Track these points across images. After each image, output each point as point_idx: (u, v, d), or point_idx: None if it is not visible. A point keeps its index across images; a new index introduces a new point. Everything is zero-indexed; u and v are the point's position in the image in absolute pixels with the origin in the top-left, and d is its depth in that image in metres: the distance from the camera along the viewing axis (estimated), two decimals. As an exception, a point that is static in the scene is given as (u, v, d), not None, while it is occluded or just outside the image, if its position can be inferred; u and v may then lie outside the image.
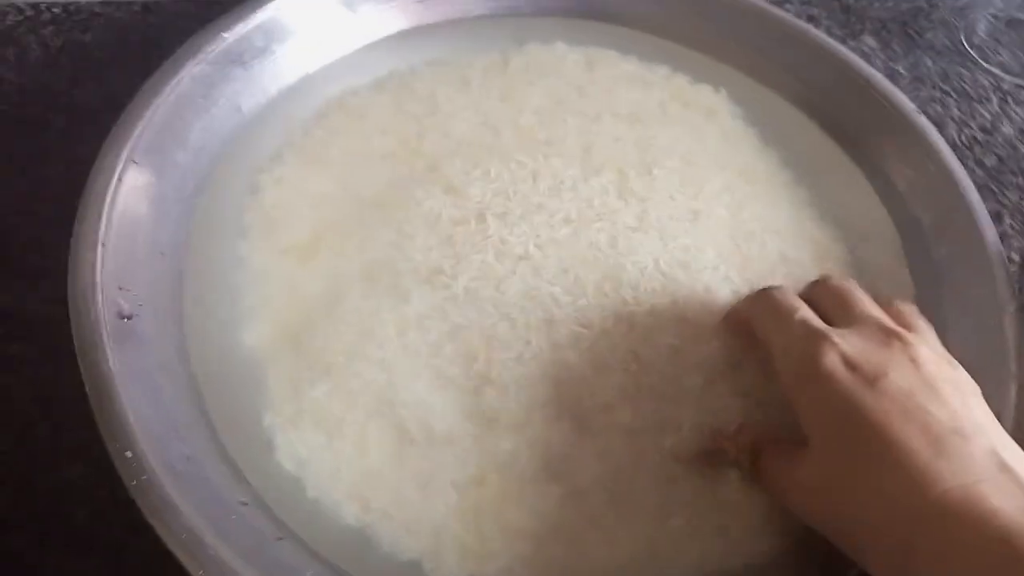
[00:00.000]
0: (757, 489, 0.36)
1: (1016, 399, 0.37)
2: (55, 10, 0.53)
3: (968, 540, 0.26)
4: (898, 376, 0.30)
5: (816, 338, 0.32)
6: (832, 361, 0.31)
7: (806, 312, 0.35)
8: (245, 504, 0.32)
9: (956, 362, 0.33)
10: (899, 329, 0.33)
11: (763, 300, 0.37)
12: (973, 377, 0.37)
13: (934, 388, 0.30)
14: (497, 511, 0.35)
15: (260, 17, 0.46)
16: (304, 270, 0.41)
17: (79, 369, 0.33)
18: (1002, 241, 0.50)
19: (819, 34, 0.52)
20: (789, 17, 0.53)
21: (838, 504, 0.30)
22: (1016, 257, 0.50)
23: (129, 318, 0.35)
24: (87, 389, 0.32)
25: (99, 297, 0.34)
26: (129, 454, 0.30)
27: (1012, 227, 0.51)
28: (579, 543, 0.35)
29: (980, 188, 0.52)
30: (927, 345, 0.33)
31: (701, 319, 0.40)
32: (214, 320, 0.39)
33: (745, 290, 0.42)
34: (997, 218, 0.52)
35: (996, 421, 0.31)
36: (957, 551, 0.26)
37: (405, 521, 0.34)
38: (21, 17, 0.52)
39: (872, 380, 0.30)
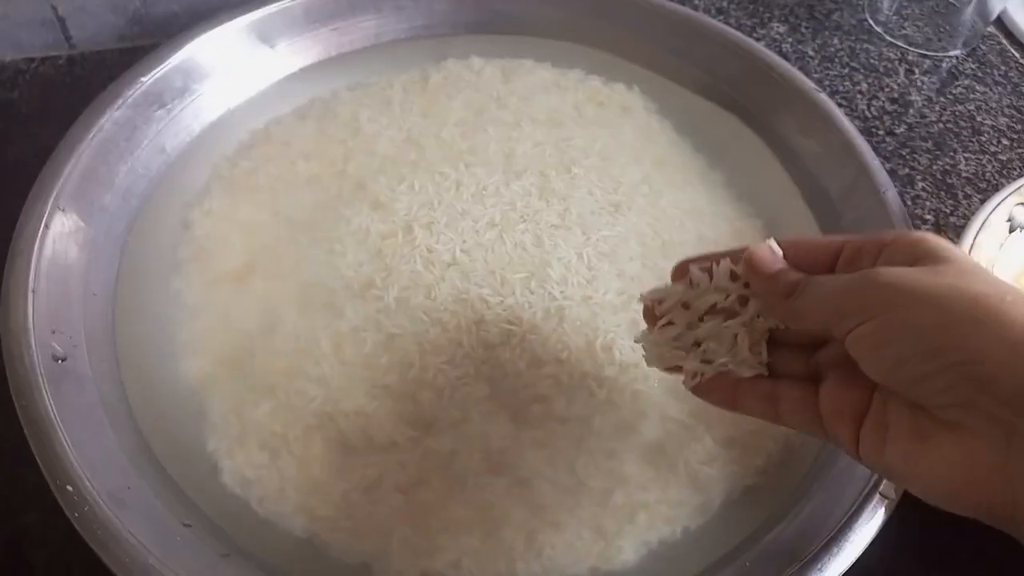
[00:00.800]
0: (694, 458, 0.38)
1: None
2: (-20, 71, 0.54)
3: None
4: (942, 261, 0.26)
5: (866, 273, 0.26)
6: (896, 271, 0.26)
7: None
8: (188, 526, 0.33)
9: None
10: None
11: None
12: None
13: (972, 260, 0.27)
14: (442, 509, 0.36)
15: (177, 59, 0.47)
16: (239, 297, 0.42)
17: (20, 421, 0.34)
18: (915, 203, 0.53)
19: (723, 26, 0.54)
20: (693, 13, 0.55)
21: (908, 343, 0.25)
22: (930, 217, 0.52)
23: (64, 359, 0.36)
24: (24, 429, 0.33)
25: (32, 341, 0.35)
26: (69, 488, 0.31)
27: (924, 190, 0.53)
28: (526, 530, 0.36)
29: (892, 155, 0.55)
30: None
31: (629, 306, 0.42)
32: (151, 355, 0.40)
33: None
34: (909, 182, 0.54)
35: None
36: None
37: (352, 527, 0.35)
38: (-54, 81, 0.53)
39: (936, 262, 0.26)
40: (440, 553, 0.35)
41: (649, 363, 0.34)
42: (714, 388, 0.32)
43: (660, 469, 0.38)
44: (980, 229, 0.39)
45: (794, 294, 0.28)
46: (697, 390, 0.32)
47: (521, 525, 0.36)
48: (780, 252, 0.30)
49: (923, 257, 0.26)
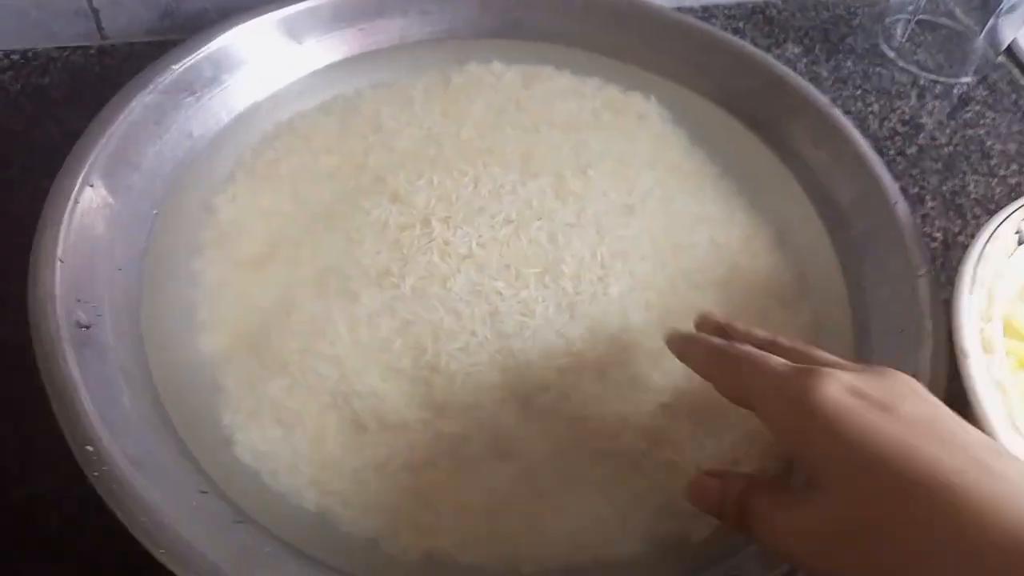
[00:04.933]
0: (699, 455, 0.39)
1: (932, 356, 0.39)
2: (14, 57, 0.55)
3: None
4: (912, 403, 0.27)
5: (808, 372, 0.28)
6: (836, 391, 0.27)
7: (775, 358, 0.31)
8: (204, 492, 0.33)
9: None
10: (884, 368, 0.30)
11: (714, 353, 0.33)
12: (895, 337, 0.40)
13: (949, 412, 0.28)
14: (449, 490, 0.37)
15: (208, 49, 0.49)
16: (258, 280, 0.43)
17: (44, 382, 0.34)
18: (924, 221, 0.53)
19: (738, 40, 0.55)
20: (710, 27, 0.56)
21: (868, 551, 0.25)
22: (939, 235, 0.53)
23: (87, 327, 0.36)
24: (47, 390, 0.33)
25: (57, 307, 0.36)
26: (90, 448, 0.32)
27: (934, 209, 0.54)
28: (529, 516, 0.36)
29: (902, 175, 0.56)
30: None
31: (640, 304, 0.42)
32: (172, 330, 0.40)
33: (680, 279, 0.44)
34: (919, 201, 0.55)
35: None
36: None
37: (362, 503, 0.36)
38: (-20, 65, 0.55)
39: (889, 407, 0.27)
40: (446, 533, 0.36)
41: None
42: None
43: (665, 464, 0.38)
44: (988, 240, 0.40)
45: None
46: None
47: (525, 511, 0.37)
48: None
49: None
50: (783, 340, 0.35)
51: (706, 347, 0.34)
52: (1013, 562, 0.23)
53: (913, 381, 0.29)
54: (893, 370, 0.30)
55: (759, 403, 0.30)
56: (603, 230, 0.45)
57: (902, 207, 0.44)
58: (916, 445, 0.25)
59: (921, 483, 0.25)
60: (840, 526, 0.26)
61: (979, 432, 0.27)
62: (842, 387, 0.27)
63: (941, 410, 0.28)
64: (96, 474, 0.31)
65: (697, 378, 0.34)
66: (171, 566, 0.30)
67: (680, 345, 0.36)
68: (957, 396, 0.37)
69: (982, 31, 0.63)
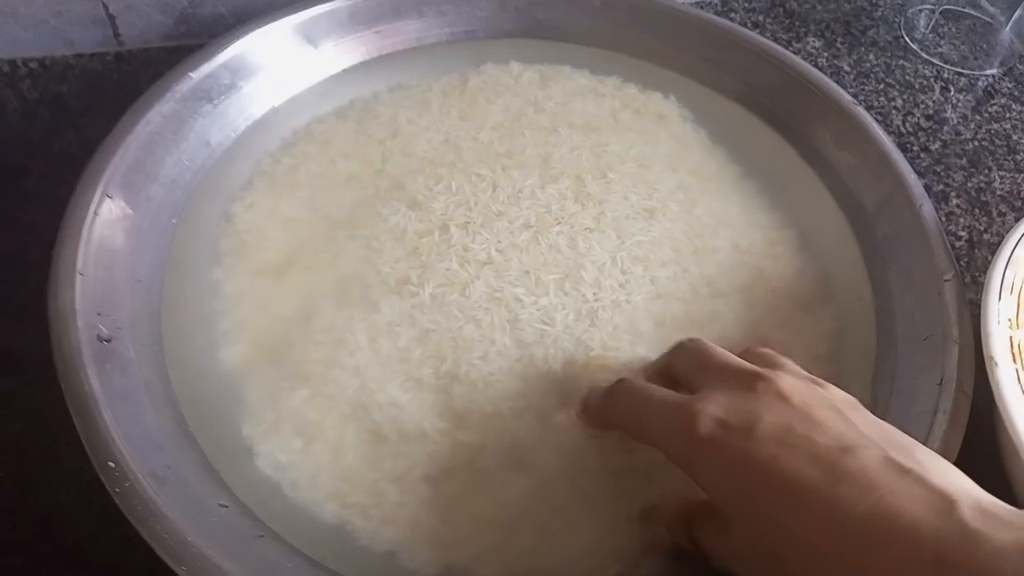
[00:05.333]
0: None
1: (957, 363, 0.38)
2: (32, 65, 0.55)
3: (902, 561, 0.24)
4: (771, 417, 0.29)
5: (683, 411, 0.31)
6: (706, 427, 0.30)
7: (661, 391, 0.34)
8: (225, 507, 0.33)
9: (823, 381, 0.32)
10: (758, 370, 0.32)
11: (619, 396, 0.36)
12: (920, 344, 0.39)
13: (810, 416, 0.29)
14: (467, 502, 0.36)
15: (225, 56, 0.49)
16: (278, 289, 0.43)
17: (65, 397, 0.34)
18: (948, 219, 0.53)
19: (759, 38, 0.54)
20: (730, 24, 0.56)
21: (768, 566, 0.28)
22: (963, 234, 0.52)
23: (108, 341, 0.36)
24: (69, 406, 0.34)
25: (78, 322, 0.36)
26: (112, 464, 0.32)
27: (959, 207, 0.53)
28: (545, 530, 0.36)
29: (926, 171, 0.55)
30: (790, 375, 0.32)
31: (662, 312, 0.42)
32: (192, 342, 0.41)
33: (702, 284, 0.44)
34: (944, 198, 0.54)
35: (881, 423, 0.30)
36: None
37: (381, 515, 0.36)
38: (-1, 74, 0.55)
39: (748, 430, 0.29)
40: (464, 546, 0.35)
41: None
42: None
43: (681, 477, 0.37)
44: (1018, 243, 0.39)
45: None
46: None
47: (543, 525, 0.36)
48: None
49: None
50: (685, 344, 0.37)
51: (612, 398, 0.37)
52: (873, 551, 0.25)
53: (777, 375, 0.31)
54: (764, 371, 0.32)
55: (662, 446, 0.32)
56: (623, 234, 0.45)
57: (928, 209, 0.43)
58: (775, 468, 0.27)
59: (782, 496, 0.27)
60: (753, 552, 0.29)
61: (831, 431, 0.28)
62: (711, 421, 0.30)
63: (798, 411, 0.29)
64: (118, 490, 0.31)
65: None
66: (193, 582, 0.30)
67: (592, 414, 0.38)
68: (986, 404, 0.37)
69: (1008, 21, 0.62)
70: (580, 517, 0.36)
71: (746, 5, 0.66)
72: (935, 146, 0.57)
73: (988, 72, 0.62)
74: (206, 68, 0.48)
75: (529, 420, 0.39)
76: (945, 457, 0.28)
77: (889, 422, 0.30)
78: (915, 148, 0.57)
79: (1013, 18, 0.61)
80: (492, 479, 0.37)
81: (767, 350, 0.36)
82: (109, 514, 0.32)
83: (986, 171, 0.56)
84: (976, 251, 0.51)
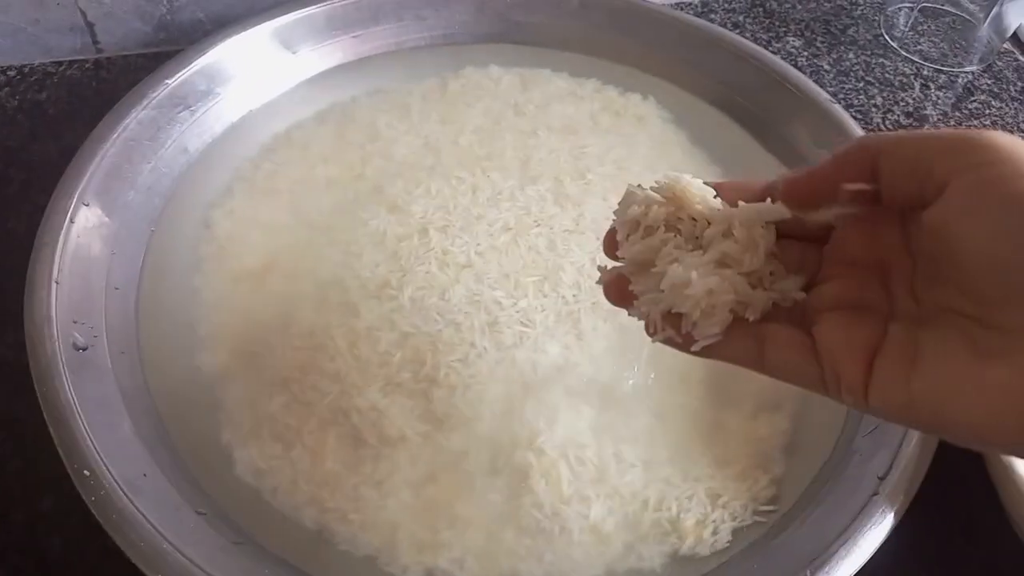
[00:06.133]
0: (704, 472, 0.38)
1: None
2: (10, 72, 0.55)
3: None
4: None
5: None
6: None
7: None
8: (203, 514, 0.33)
9: None
10: None
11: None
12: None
13: None
14: (448, 506, 0.36)
15: (201, 62, 0.49)
16: (258, 295, 0.43)
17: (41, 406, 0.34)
18: (928, 216, 0.53)
19: (737, 37, 0.55)
20: (708, 24, 0.56)
21: None
22: (944, 231, 0.52)
23: (84, 349, 0.36)
24: (45, 414, 0.33)
25: (54, 331, 0.36)
26: (87, 472, 0.32)
27: (939, 203, 0.54)
28: (529, 533, 0.36)
29: (906, 169, 0.55)
30: None
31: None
32: (170, 348, 0.40)
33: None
34: (923, 196, 0.54)
35: None
36: None
37: (360, 520, 0.36)
38: (-23, 82, 0.55)
39: None
40: (445, 550, 0.35)
41: (641, 311, 0.27)
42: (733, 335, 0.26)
43: (670, 480, 0.38)
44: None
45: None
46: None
47: (524, 528, 0.36)
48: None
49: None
50: None
51: None
52: None
53: None
54: None
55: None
56: (602, 235, 0.44)
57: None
58: None
59: None
60: None
61: None
62: None
63: None
64: (93, 499, 0.31)
65: (696, 390, 0.33)
66: (170, 590, 0.30)
67: None
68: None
69: (987, 18, 0.62)
70: (562, 521, 0.36)
71: (726, 6, 0.66)
72: (914, 143, 0.57)
73: (967, 69, 0.63)
74: (182, 75, 0.48)
75: (511, 422, 0.38)
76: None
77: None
78: (894, 146, 0.57)
79: (991, 15, 0.61)
80: (473, 483, 0.37)
81: None
82: (89, 523, 0.32)
83: (966, 168, 0.56)
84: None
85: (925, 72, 0.62)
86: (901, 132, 0.23)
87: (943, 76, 0.62)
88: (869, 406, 0.23)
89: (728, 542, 0.36)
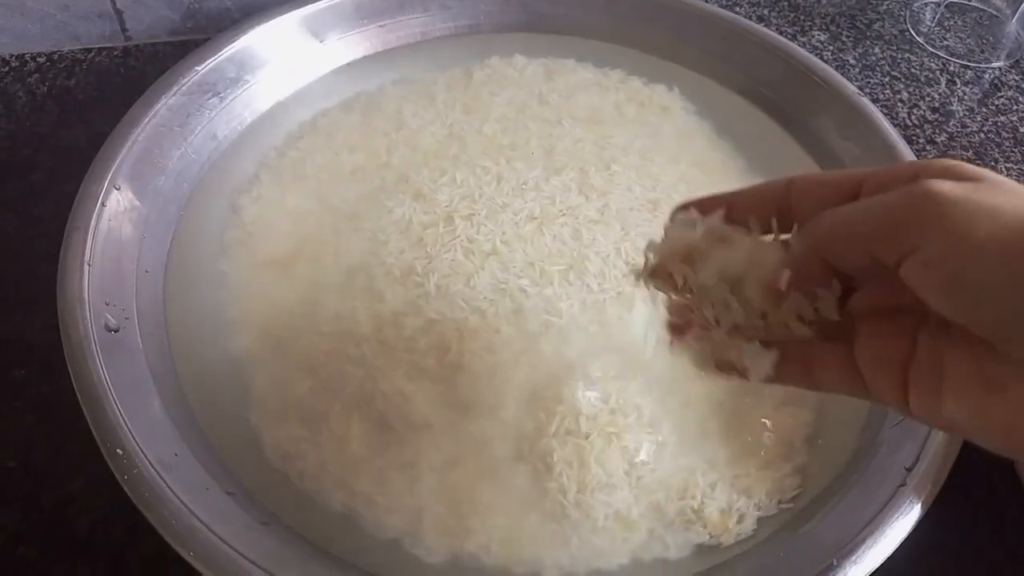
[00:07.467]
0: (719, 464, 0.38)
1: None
2: (40, 59, 0.56)
3: None
4: None
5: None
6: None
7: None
8: (232, 494, 0.34)
9: None
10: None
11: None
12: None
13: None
14: (473, 491, 0.36)
15: (232, 50, 0.49)
16: (284, 281, 0.43)
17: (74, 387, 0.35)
18: (954, 211, 0.52)
19: (763, 29, 0.54)
20: (734, 16, 0.56)
21: None
22: (969, 226, 0.52)
23: (116, 331, 0.37)
24: (78, 394, 0.34)
25: (87, 312, 0.36)
26: (120, 451, 0.32)
27: (965, 198, 0.53)
28: (553, 519, 0.36)
29: (932, 164, 0.55)
30: None
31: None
32: (199, 331, 0.41)
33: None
34: (949, 190, 0.53)
35: None
36: None
37: (386, 503, 0.36)
38: (7, 68, 0.55)
39: None
40: (470, 535, 0.36)
41: (699, 364, 0.28)
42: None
43: (694, 468, 0.38)
44: None
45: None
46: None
47: (549, 514, 0.36)
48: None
49: (960, 179, 0.21)
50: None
51: None
52: None
53: None
54: None
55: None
56: (627, 225, 0.45)
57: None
58: None
59: None
60: None
61: None
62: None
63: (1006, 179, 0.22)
64: (126, 477, 0.32)
65: (720, 380, 0.32)
66: (200, 567, 0.30)
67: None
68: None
69: (1015, 14, 0.62)
70: (586, 509, 0.36)
71: (751, -1, 0.66)
72: (941, 138, 0.57)
73: (994, 65, 0.62)
74: (211, 62, 0.48)
75: (535, 410, 0.39)
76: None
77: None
78: (921, 140, 0.56)
79: (1019, 11, 0.61)
80: (498, 469, 0.37)
81: None
82: (117, 503, 0.32)
83: (992, 163, 0.56)
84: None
85: (951, 67, 0.62)
86: (843, 211, 0.23)
87: (969, 72, 0.62)
88: (917, 419, 0.24)
89: (753, 530, 0.36)
